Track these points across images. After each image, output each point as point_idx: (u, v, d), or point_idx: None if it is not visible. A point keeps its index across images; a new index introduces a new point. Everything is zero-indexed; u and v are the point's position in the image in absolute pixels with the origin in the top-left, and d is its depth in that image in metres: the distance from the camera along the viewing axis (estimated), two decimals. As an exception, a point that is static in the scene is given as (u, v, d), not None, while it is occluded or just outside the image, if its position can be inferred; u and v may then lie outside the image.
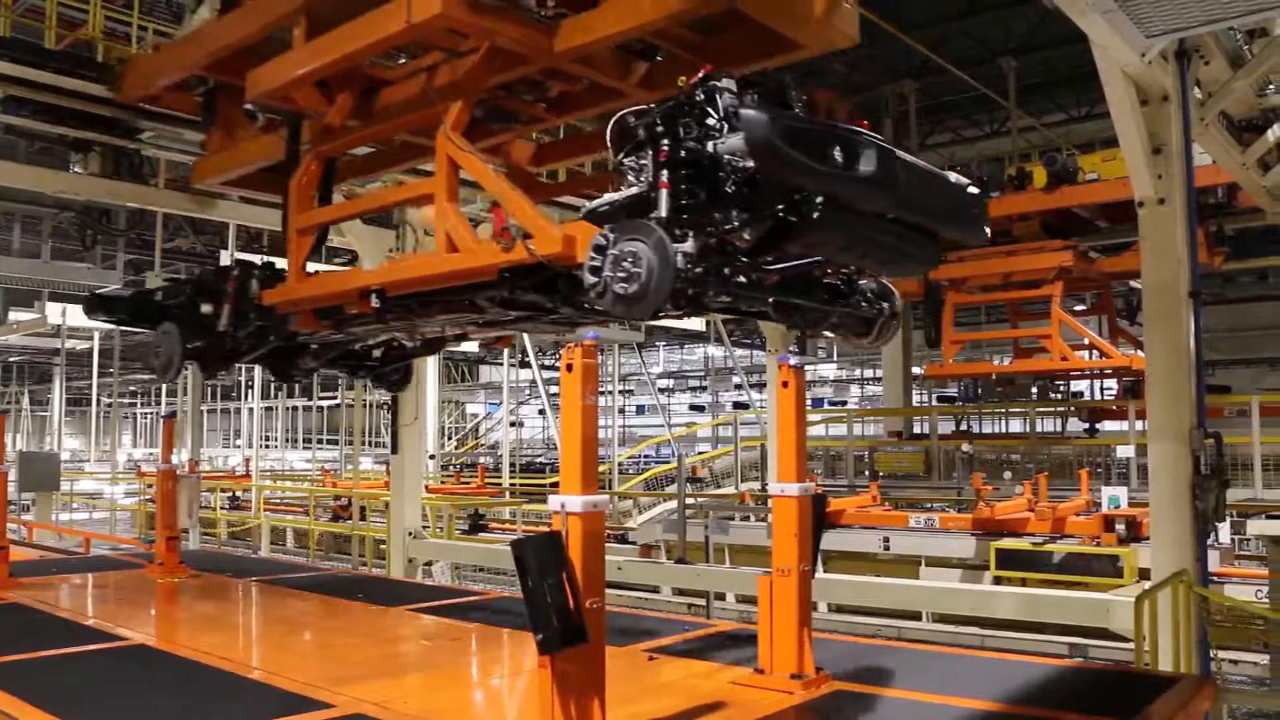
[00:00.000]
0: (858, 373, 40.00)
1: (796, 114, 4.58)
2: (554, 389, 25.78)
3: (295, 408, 39.81)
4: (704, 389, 40.85)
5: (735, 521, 13.35)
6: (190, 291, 7.84)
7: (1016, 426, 20.66)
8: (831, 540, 11.22)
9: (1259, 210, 11.22)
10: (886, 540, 11.59)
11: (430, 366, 25.78)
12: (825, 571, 10.43)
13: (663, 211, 4.37)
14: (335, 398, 35.18)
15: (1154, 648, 5.58)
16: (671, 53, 5.66)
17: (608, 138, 4.79)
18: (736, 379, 35.45)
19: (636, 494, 20.28)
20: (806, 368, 26.52)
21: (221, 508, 19.46)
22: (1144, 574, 8.66)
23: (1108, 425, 17.57)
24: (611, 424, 24.47)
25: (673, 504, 13.66)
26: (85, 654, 5.60)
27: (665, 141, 4.45)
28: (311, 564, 14.36)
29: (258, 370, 20.31)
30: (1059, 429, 19.92)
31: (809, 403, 23.03)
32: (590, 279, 4.50)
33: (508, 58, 5.43)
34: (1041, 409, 19.53)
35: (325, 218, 7.17)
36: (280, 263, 7.32)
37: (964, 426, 20.39)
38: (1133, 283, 15.07)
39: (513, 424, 33.39)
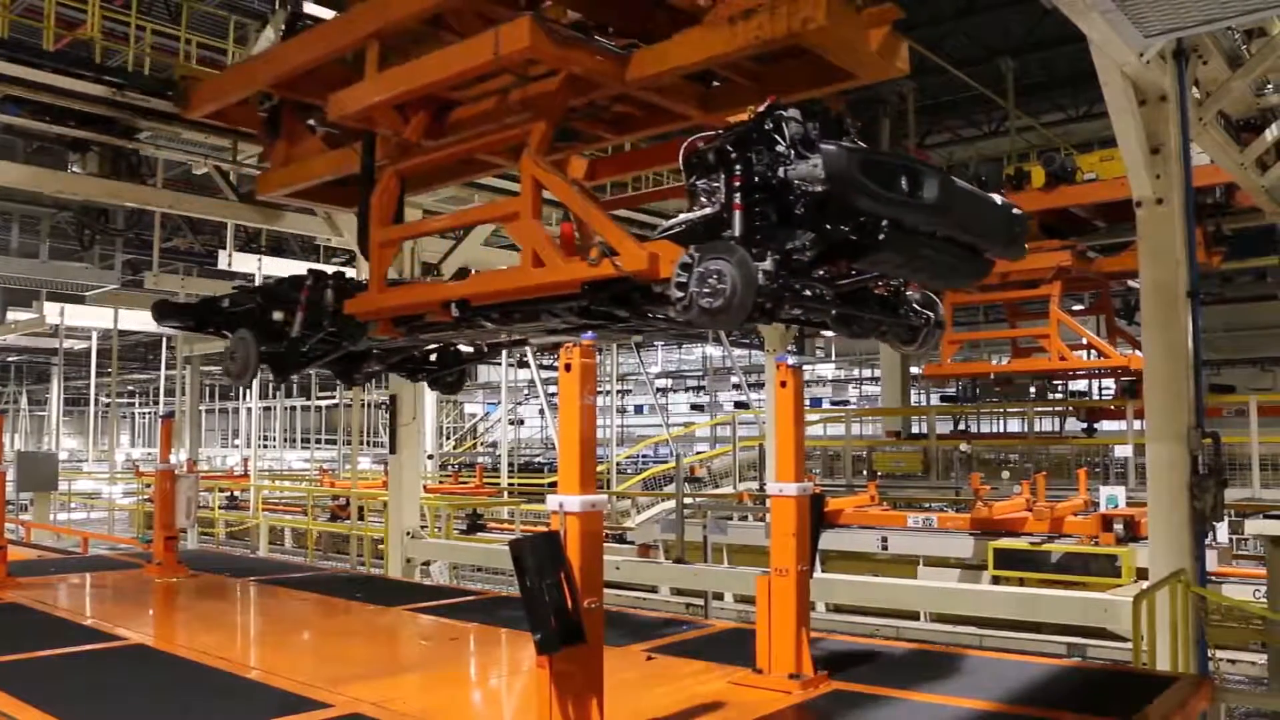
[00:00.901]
0: (856, 372, 40.00)
1: (869, 148, 5.09)
2: (552, 389, 25.79)
3: (293, 407, 39.80)
4: (702, 389, 40.86)
5: (733, 521, 13.36)
6: (261, 299, 8.15)
7: (1014, 426, 20.69)
8: (830, 540, 11.23)
9: (1257, 210, 11.24)
10: (885, 540, 11.59)
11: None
12: (823, 571, 10.44)
13: (737, 231, 4.79)
14: (333, 397, 35.16)
15: (1152, 647, 5.58)
16: (728, 78, 6.01)
17: (680, 161, 5.25)
18: (735, 379, 35.47)
19: (635, 494, 20.28)
20: (804, 368, 26.59)
21: (220, 507, 19.46)
22: (1142, 574, 8.66)
23: (1106, 425, 17.59)
24: (610, 424, 24.46)
25: (671, 504, 13.66)
26: (83, 654, 5.59)
27: (738, 166, 4.87)
28: (310, 564, 14.36)
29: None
30: (1057, 429, 19.94)
31: (807, 402, 23.07)
32: (677, 294, 4.87)
33: (584, 85, 5.83)
34: (1040, 409, 19.56)
35: (407, 233, 7.82)
36: (349, 272, 7.92)
37: (962, 426, 20.39)
38: (1131, 282, 15.07)
39: (515, 422, 33.44)
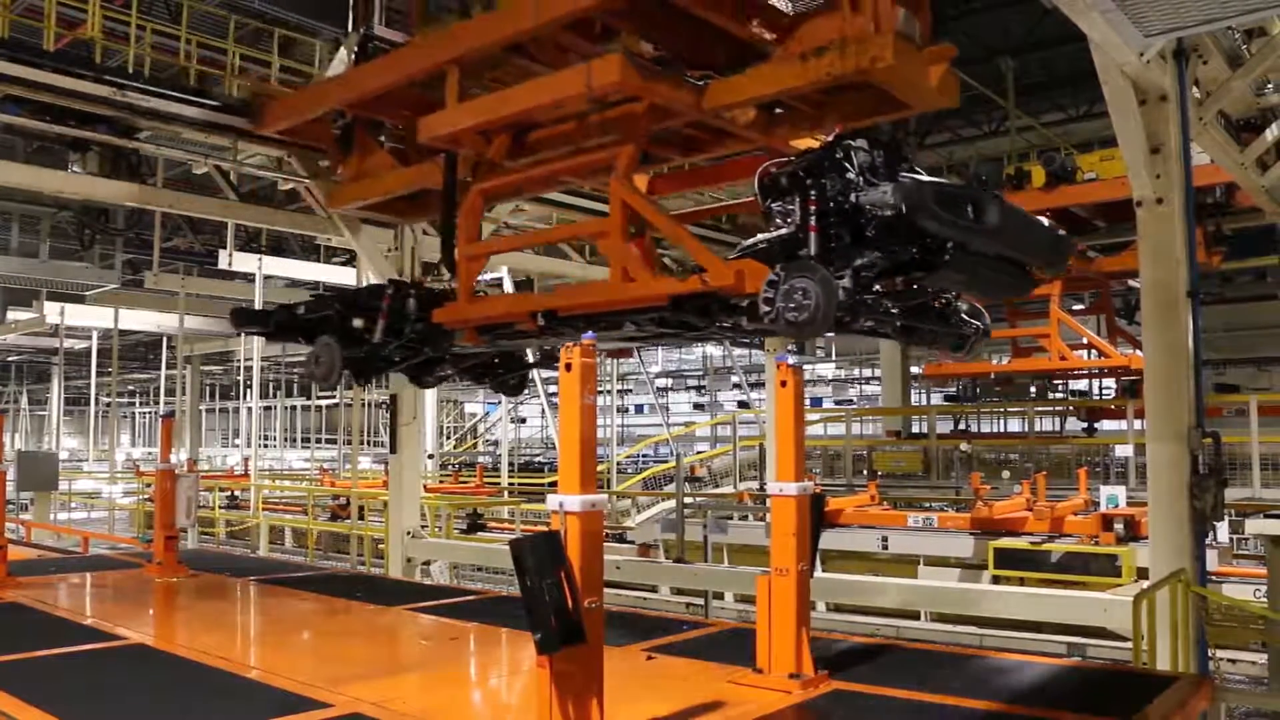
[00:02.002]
0: (856, 372, 39.97)
1: (939, 180, 5.62)
2: (552, 388, 25.77)
3: (294, 407, 39.78)
4: (703, 389, 40.84)
5: (734, 521, 13.36)
6: (340, 307, 8.57)
7: (1015, 426, 20.68)
8: (830, 540, 11.23)
9: (1257, 210, 11.23)
10: (885, 540, 11.59)
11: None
12: (824, 571, 10.43)
13: (813, 250, 5.32)
14: (334, 397, 35.15)
15: (1152, 647, 5.58)
16: (790, 105, 6.42)
17: (755, 185, 5.80)
18: (735, 378, 35.46)
19: (635, 493, 20.28)
20: (805, 367, 26.55)
21: (220, 507, 19.45)
22: (1142, 573, 8.66)
23: (1106, 425, 17.58)
24: (610, 423, 24.46)
25: (671, 503, 13.65)
26: (83, 653, 5.60)
27: (812, 191, 5.40)
28: (310, 563, 14.36)
29: (256, 369, 20.31)
30: (1057, 428, 19.93)
31: (807, 402, 23.07)
32: (764, 308, 5.39)
33: (663, 113, 6.33)
34: (1040, 408, 19.55)
35: (493, 249, 8.42)
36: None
37: (962, 426, 20.38)
38: (1131, 282, 15.07)
39: (518, 420, 33.42)
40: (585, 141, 6.76)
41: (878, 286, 5.74)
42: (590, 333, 4.20)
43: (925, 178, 5.44)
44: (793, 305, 5.20)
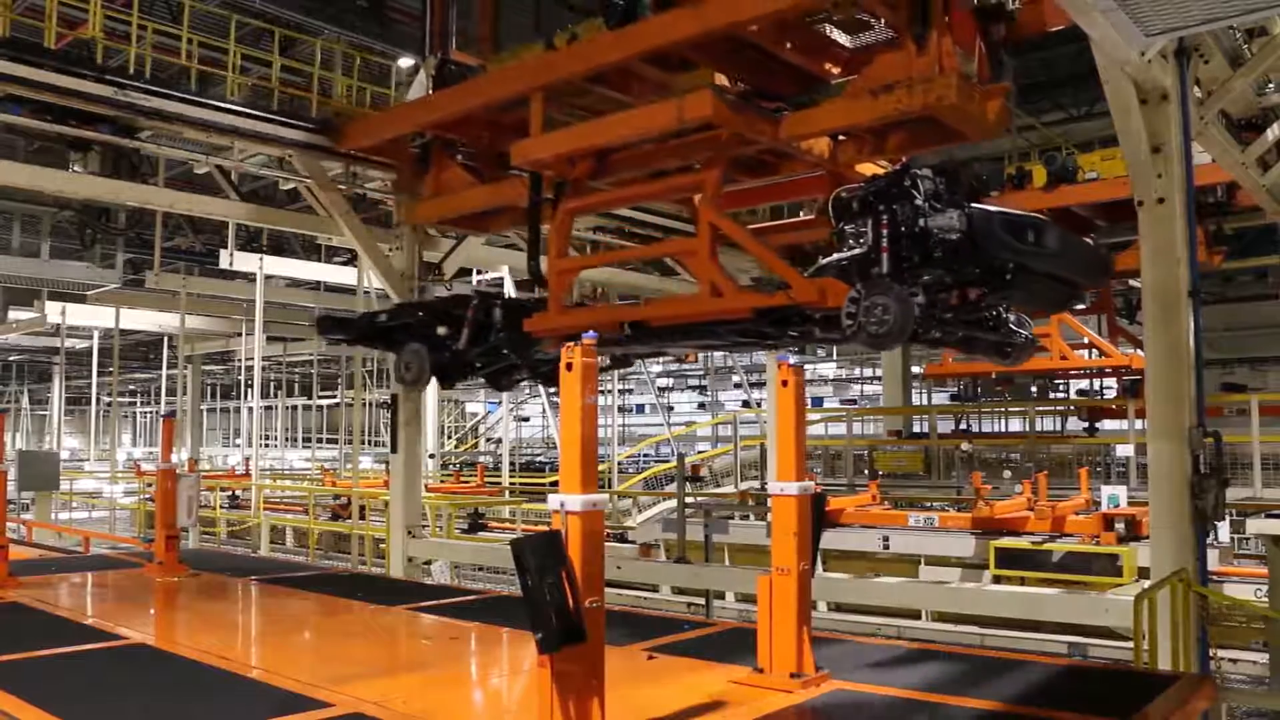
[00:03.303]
0: (857, 372, 39.93)
1: (1004, 210, 6.41)
2: (553, 388, 25.72)
3: (295, 407, 39.79)
4: (704, 388, 40.81)
5: (735, 521, 13.35)
6: (426, 315, 9.11)
7: (1016, 425, 20.67)
8: (831, 539, 11.22)
9: (1258, 209, 11.21)
10: (886, 539, 11.58)
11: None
12: (825, 570, 10.43)
13: (885, 269, 5.96)
14: (334, 397, 35.16)
15: (1153, 646, 5.58)
16: (853, 134, 7.08)
17: (828, 208, 6.50)
18: (736, 378, 35.44)
19: (636, 493, 20.28)
20: (806, 367, 26.53)
21: (221, 507, 19.45)
22: (1143, 573, 8.65)
23: (1107, 424, 17.57)
24: (611, 423, 24.45)
25: (672, 503, 13.65)
26: (84, 653, 5.59)
27: (884, 216, 6.05)
28: (311, 563, 14.37)
29: (257, 369, 20.33)
30: (1058, 428, 19.92)
31: (808, 401, 23.03)
32: (846, 321, 6.07)
33: (742, 141, 6.97)
34: (1041, 408, 19.54)
35: (583, 264, 9.43)
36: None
37: (963, 425, 20.38)
38: (1132, 282, 15.05)
39: (520, 419, 33.39)
40: (661, 164, 7.53)
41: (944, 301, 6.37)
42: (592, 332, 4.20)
43: (992, 207, 6.27)
44: (873, 320, 5.84)
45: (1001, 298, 6.46)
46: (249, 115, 9.88)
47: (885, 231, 6.00)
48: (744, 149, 7.14)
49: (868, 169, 7.53)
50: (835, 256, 6.36)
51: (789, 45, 6.78)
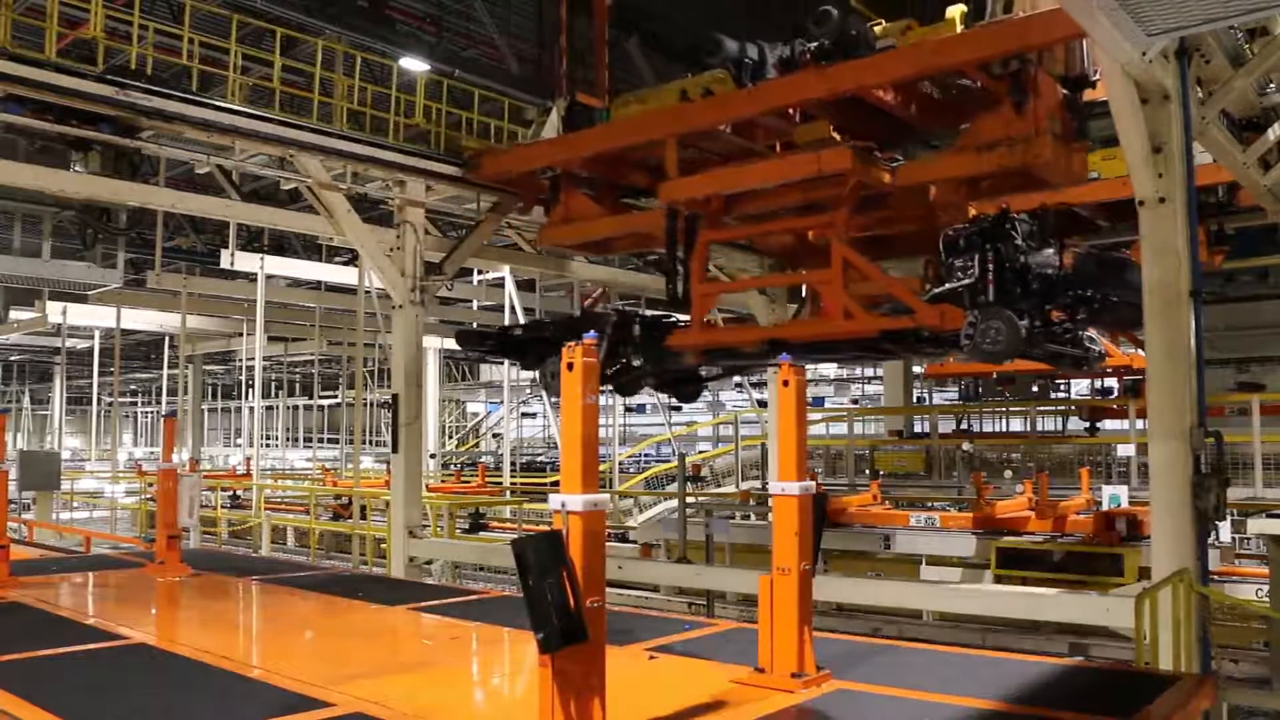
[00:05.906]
0: (858, 371, 39.91)
1: (1093, 250, 8.06)
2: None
3: (296, 407, 39.81)
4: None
5: (736, 520, 13.35)
6: (560, 334, 9.86)
7: (1017, 425, 20.66)
8: (832, 539, 11.22)
9: (1259, 209, 11.19)
10: (887, 539, 11.58)
11: (431, 366, 25.79)
12: (826, 570, 10.42)
13: (991, 298, 7.14)
14: (335, 397, 35.18)
15: (1154, 646, 5.57)
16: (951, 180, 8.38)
17: (940, 245, 7.62)
18: (737, 378, 35.31)
19: (637, 493, 20.27)
20: (806, 367, 26.37)
21: (222, 506, 19.45)
22: (1144, 573, 8.64)
23: (1108, 424, 17.55)
24: (612, 423, 24.44)
25: (673, 503, 13.65)
26: (85, 653, 5.59)
27: (990, 252, 7.21)
28: (312, 563, 14.37)
29: (258, 369, 20.34)
30: (1059, 428, 19.90)
31: (809, 401, 22.99)
32: (965, 342, 7.25)
33: (865, 187, 8.12)
34: (1042, 408, 19.52)
35: (724, 289, 11.92)
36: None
37: (964, 425, 20.37)
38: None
39: (526, 415, 33.37)
40: (784, 202, 8.73)
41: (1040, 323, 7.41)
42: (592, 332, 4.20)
43: (1083, 248, 7.86)
44: (988, 340, 7.01)
45: (1090, 322, 7.80)
46: (379, 145, 10.83)
47: (991, 266, 7.14)
48: (864, 191, 8.17)
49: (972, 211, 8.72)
50: (947, 286, 7.49)
51: (896, 102, 7.98)
